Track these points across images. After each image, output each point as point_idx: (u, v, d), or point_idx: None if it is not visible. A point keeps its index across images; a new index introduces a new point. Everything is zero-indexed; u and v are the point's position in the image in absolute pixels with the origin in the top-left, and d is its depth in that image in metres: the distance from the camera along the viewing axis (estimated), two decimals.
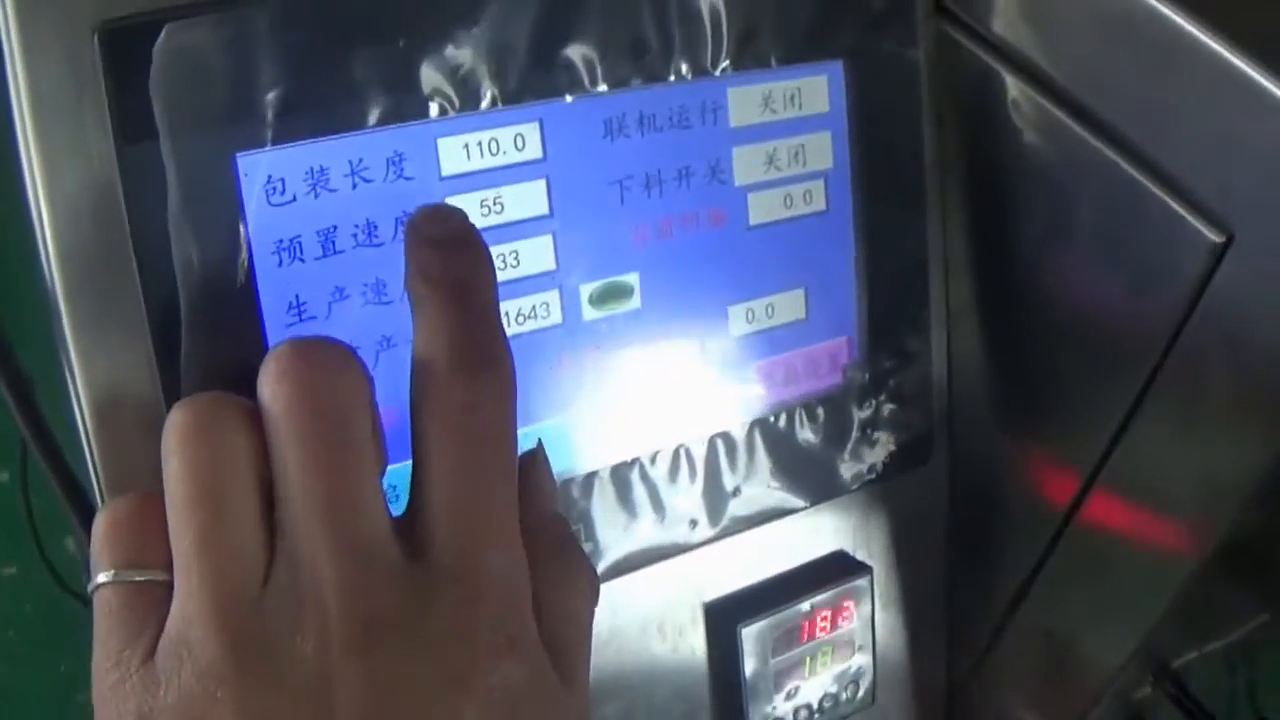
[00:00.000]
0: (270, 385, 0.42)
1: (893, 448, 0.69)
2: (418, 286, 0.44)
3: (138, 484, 0.45)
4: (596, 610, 0.49)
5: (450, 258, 0.45)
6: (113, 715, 0.41)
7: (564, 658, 0.46)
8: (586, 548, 0.59)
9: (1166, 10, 0.57)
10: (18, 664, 1.33)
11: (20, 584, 1.30)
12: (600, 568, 0.61)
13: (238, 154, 0.49)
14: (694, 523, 0.63)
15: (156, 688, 0.40)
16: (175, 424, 0.42)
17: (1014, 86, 0.64)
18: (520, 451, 0.49)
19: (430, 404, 0.43)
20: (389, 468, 0.46)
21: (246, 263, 0.50)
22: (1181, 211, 0.58)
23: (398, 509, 0.45)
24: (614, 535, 0.61)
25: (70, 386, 0.50)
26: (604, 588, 0.58)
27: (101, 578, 0.43)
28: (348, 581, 0.41)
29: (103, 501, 0.50)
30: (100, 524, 0.44)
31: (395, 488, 0.46)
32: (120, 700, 0.41)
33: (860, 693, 0.72)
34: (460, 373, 0.43)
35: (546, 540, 0.47)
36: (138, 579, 0.42)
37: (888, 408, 0.68)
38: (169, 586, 0.42)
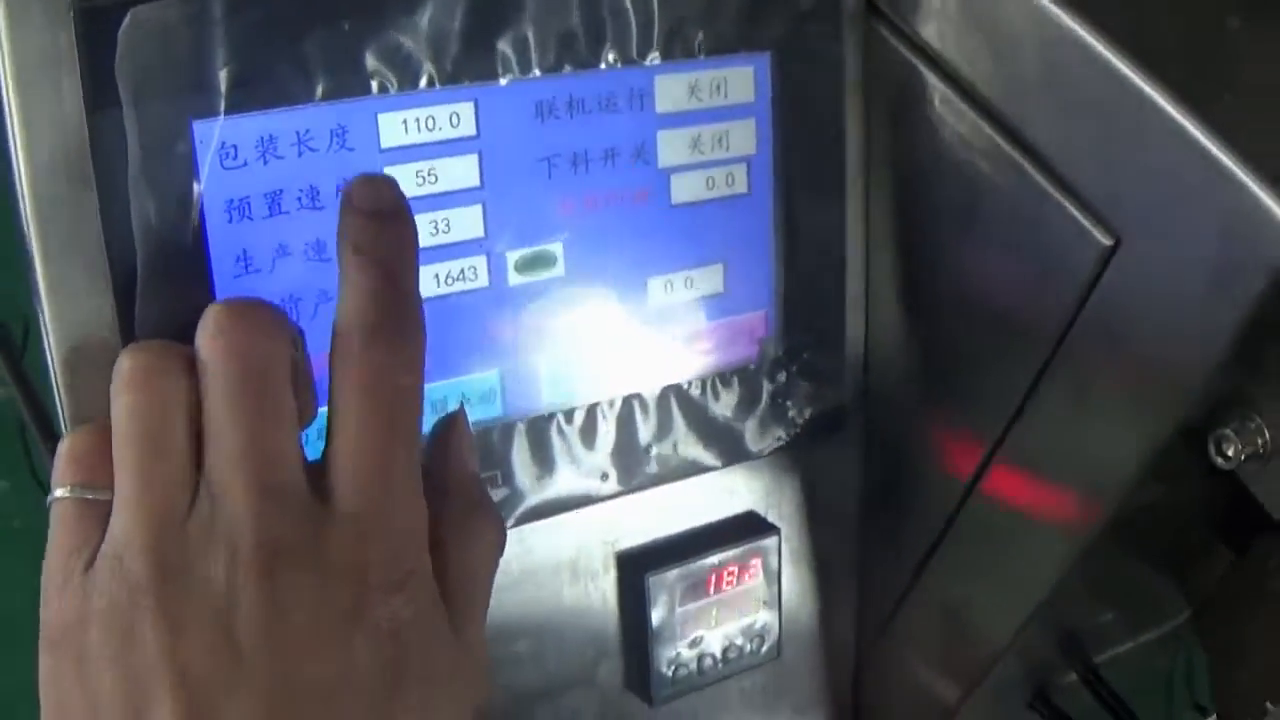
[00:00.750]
0: (205, 341, 0.47)
1: (804, 418, 0.72)
2: (347, 254, 0.48)
3: (96, 415, 0.50)
4: (513, 551, 0.53)
5: (380, 230, 0.49)
6: (55, 613, 0.46)
7: (461, 608, 0.50)
8: (503, 493, 0.63)
9: (1070, 22, 0.59)
10: (4, 579, 1.37)
11: (9, 499, 1.33)
12: (516, 513, 0.64)
13: (194, 120, 0.53)
14: (605, 476, 0.67)
15: (92, 593, 0.45)
16: (123, 367, 0.47)
17: (935, 85, 0.67)
18: (446, 412, 0.54)
19: (348, 366, 0.48)
20: (321, 410, 0.50)
21: (199, 219, 0.54)
22: (1076, 214, 0.61)
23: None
24: (529, 483, 0.65)
25: (42, 330, 0.54)
26: (519, 531, 0.63)
27: (58, 493, 0.48)
28: (258, 516, 0.45)
29: (66, 430, 0.55)
30: (62, 449, 0.49)
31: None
32: (62, 601, 0.46)
33: (765, 647, 0.76)
34: (378, 340, 0.48)
35: (460, 498, 0.52)
36: (88, 496, 0.47)
37: (800, 380, 0.71)
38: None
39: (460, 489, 0.53)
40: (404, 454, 0.48)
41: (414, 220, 0.50)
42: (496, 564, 0.53)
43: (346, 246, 0.49)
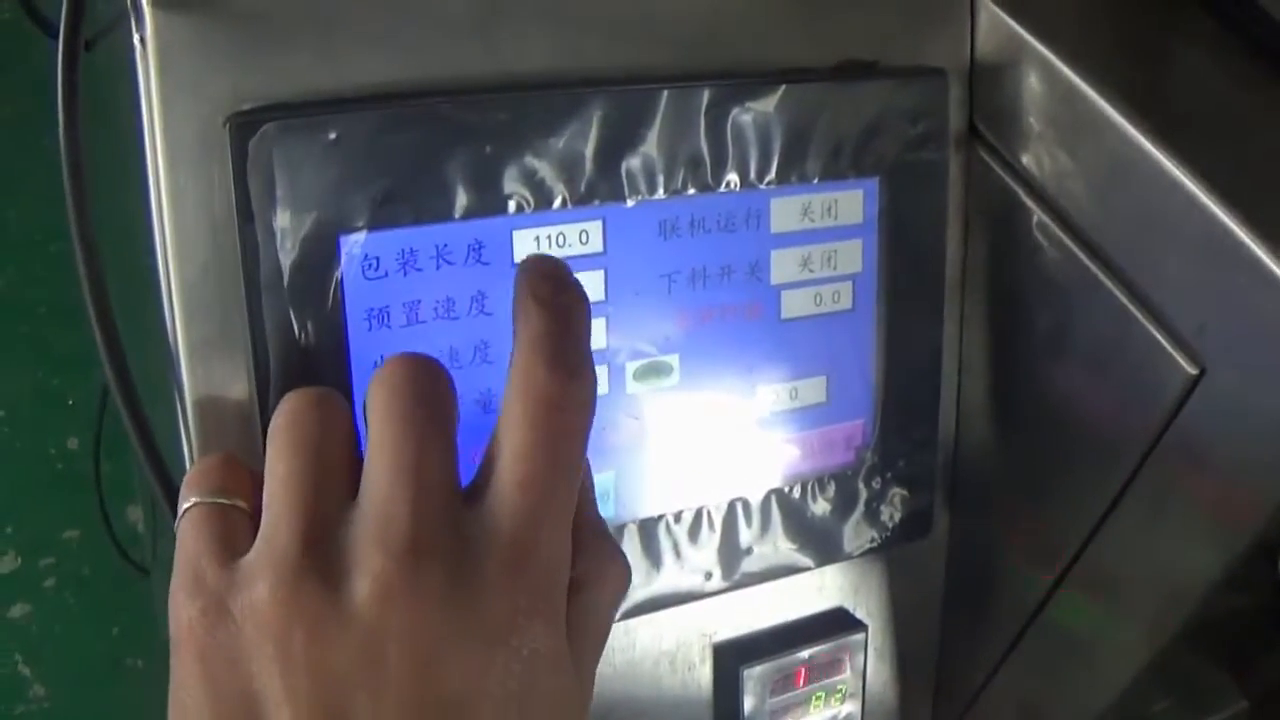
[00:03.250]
0: (381, 372, 0.49)
1: (895, 521, 0.75)
2: (527, 304, 0.50)
3: None
4: (617, 643, 0.55)
5: (559, 288, 0.51)
6: (184, 610, 0.46)
7: (582, 645, 0.50)
8: None
9: (1164, 159, 0.62)
10: (72, 625, 1.40)
11: (81, 548, 1.36)
12: (624, 608, 0.67)
13: (340, 234, 0.57)
14: (709, 575, 0.69)
15: (229, 590, 0.46)
16: (288, 397, 0.50)
17: (1031, 209, 0.70)
18: None
19: (522, 394, 0.48)
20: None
21: (341, 325, 0.57)
22: (1164, 342, 0.64)
23: None
24: (638, 579, 0.67)
25: (181, 425, 0.58)
26: (624, 625, 0.65)
27: (190, 501, 0.49)
28: (415, 523, 0.46)
29: None
30: (191, 471, 0.51)
31: None
32: (192, 599, 0.46)
33: None
34: (554, 375, 0.48)
35: (588, 535, 0.52)
36: (221, 501, 0.49)
37: (894, 486, 0.74)
38: (248, 516, 0.49)
39: (587, 526, 0.53)
40: (564, 488, 0.49)
41: (585, 293, 0.52)
42: (619, 606, 0.54)
43: (528, 297, 0.50)
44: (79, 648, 1.39)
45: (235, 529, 0.49)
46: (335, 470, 0.48)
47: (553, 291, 0.51)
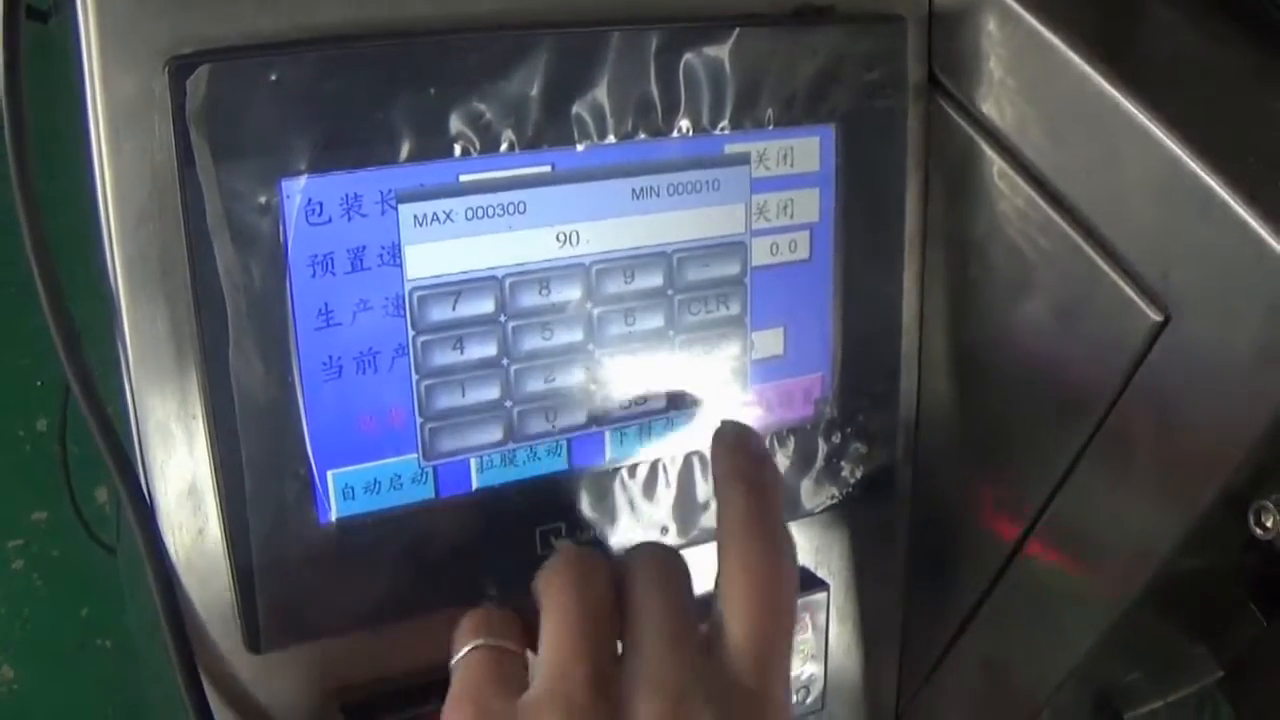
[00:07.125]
0: (637, 554, 0.59)
1: (856, 478, 0.73)
2: (733, 485, 0.60)
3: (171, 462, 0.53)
4: None
5: (756, 464, 0.61)
6: None
7: None
8: (565, 544, 0.65)
9: (1127, 104, 0.61)
10: (42, 607, 1.39)
11: (50, 530, 1.35)
12: None
13: (282, 179, 0.55)
14: (665, 529, 0.68)
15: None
16: (560, 559, 0.58)
17: (992, 159, 0.69)
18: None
19: (744, 570, 0.57)
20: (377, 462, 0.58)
21: (284, 272, 0.56)
22: (1128, 290, 0.63)
23: None
24: (592, 535, 0.67)
25: (123, 372, 0.57)
26: None
27: (472, 644, 0.57)
28: (680, 675, 0.54)
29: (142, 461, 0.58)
30: (469, 619, 0.58)
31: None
32: None
33: (810, 698, 0.77)
34: (768, 555, 0.57)
35: None
36: (504, 645, 0.57)
37: (854, 440, 0.73)
38: (521, 659, 0.57)
39: None
40: (786, 644, 0.57)
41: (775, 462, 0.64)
42: None
43: (729, 474, 0.60)
44: (48, 629, 1.38)
45: (511, 669, 0.56)
46: (606, 622, 0.56)
47: (752, 468, 0.60)
